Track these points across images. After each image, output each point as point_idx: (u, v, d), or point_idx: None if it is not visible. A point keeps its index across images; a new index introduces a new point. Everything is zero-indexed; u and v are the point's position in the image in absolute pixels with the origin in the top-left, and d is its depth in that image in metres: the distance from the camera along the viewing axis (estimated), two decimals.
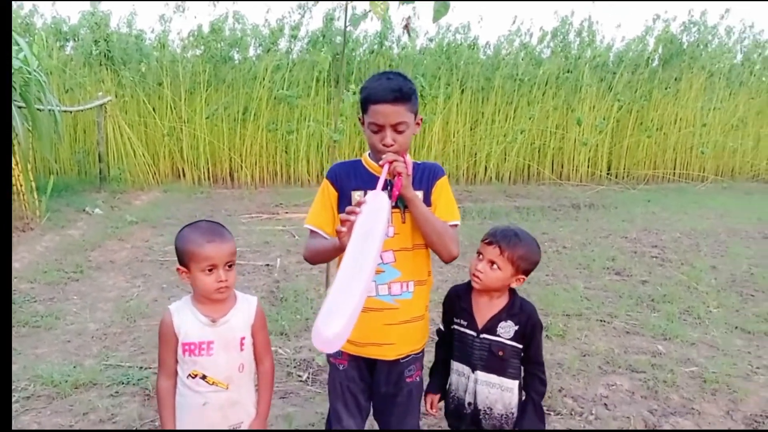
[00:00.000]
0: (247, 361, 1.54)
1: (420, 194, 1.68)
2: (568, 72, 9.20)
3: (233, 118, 8.83)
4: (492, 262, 1.74)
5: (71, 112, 7.90)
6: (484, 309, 1.80)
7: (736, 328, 3.55)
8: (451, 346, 1.87)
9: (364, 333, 1.64)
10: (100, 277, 4.46)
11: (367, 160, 1.73)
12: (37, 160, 7.80)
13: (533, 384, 1.82)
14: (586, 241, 5.69)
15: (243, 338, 1.53)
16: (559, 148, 9.55)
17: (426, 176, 1.73)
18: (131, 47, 8.53)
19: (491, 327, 1.78)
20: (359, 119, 1.70)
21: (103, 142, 8.09)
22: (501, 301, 1.80)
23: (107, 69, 8.49)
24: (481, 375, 1.80)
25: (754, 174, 10.31)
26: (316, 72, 8.55)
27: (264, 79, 8.58)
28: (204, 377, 1.48)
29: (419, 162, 1.76)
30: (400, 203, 1.65)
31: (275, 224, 6.42)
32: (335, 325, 1.32)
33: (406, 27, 2.01)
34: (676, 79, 9.71)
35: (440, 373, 1.93)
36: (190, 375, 1.48)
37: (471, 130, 9.44)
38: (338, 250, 1.51)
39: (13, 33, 5.71)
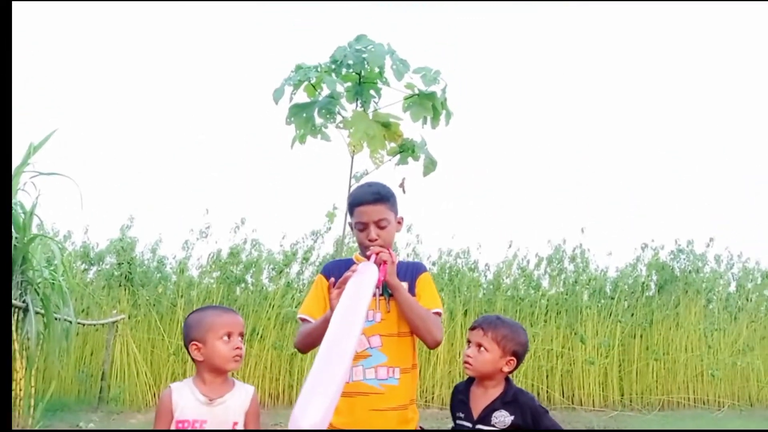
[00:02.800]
0: None
1: (405, 285, 1.83)
2: (566, 295, 9.53)
3: (243, 339, 8.93)
4: (479, 345, 1.83)
5: (83, 325, 8.08)
6: (480, 399, 1.85)
7: None
8: None
9: (350, 419, 1.66)
10: None
11: (357, 256, 1.93)
12: (41, 370, 7.75)
13: None
14: None
15: (236, 423, 1.56)
16: (568, 371, 9.41)
17: (410, 270, 1.92)
18: (152, 271, 9.05)
19: (485, 416, 1.81)
20: (350, 225, 1.94)
21: (109, 360, 8.12)
22: (496, 391, 1.85)
23: (125, 289, 8.89)
24: None
25: None
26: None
27: (274, 300, 8.92)
28: None
29: (404, 261, 1.95)
30: (385, 291, 1.79)
31: None
32: (313, 413, 1.34)
33: (401, 185, 2.34)
34: (675, 306, 9.95)
35: None
36: None
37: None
38: (328, 322, 1.61)
39: (51, 242, 6.22)
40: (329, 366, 1.42)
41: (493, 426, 1.79)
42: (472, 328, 1.91)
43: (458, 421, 1.88)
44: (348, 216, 1.95)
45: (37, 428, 5.73)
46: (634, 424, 7.78)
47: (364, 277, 1.65)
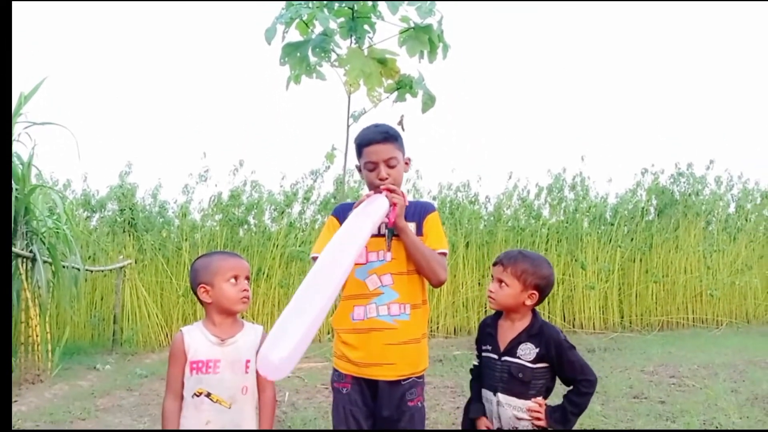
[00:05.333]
0: (250, 385, 1.60)
1: (413, 225, 1.87)
2: (567, 223, 9.59)
3: (250, 282, 9.07)
4: (500, 281, 1.86)
5: (92, 272, 8.20)
6: (507, 332, 1.90)
7: None
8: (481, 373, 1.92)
9: (366, 353, 1.72)
10: (106, 417, 4.39)
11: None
12: (54, 317, 7.93)
13: (569, 395, 1.82)
14: (602, 375, 5.55)
15: (248, 361, 1.61)
16: (568, 296, 9.61)
17: (418, 210, 1.94)
18: (154, 216, 9.10)
19: (511, 349, 1.86)
20: (356, 167, 1.93)
21: (119, 304, 8.29)
22: (522, 324, 1.91)
23: (130, 235, 8.96)
24: (502, 397, 1.84)
25: None
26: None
27: (278, 240, 9.00)
28: (209, 395, 1.53)
29: (412, 200, 1.97)
30: (391, 232, 1.82)
31: None
32: (282, 348, 1.32)
33: (400, 123, 2.32)
34: (675, 229, 10.02)
35: (477, 399, 1.93)
36: (195, 394, 1.53)
37: (479, 284, 9.60)
38: None
39: (52, 191, 6.23)
40: (307, 298, 1.40)
41: (519, 358, 1.85)
42: (494, 264, 1.96)
43: (484, 353, 1.94)
44: (356, 158, 1.95)
45: (56, 371, 5.92)
46: (634, 345, 7.99)
47: (372, 207, 1.67)
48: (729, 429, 2.47)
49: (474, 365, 2.03)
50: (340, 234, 1.59)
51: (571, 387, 1.87)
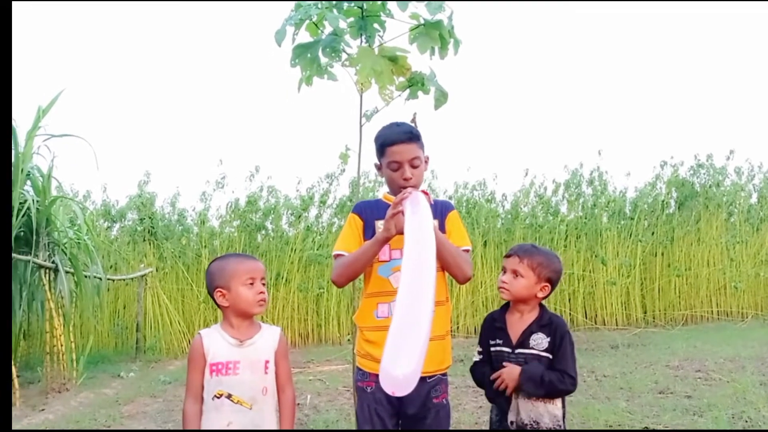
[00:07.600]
0: (270, 386, 1.60)
1: (435, 223, 1.86)
2: (585, 219, 9.50)
3: (266, 284, 9.12)
4: (515, 272, 1.87)
5: (113, 281, 8.30)
6: (517, 324, 1.90)
7: None
8: (491, 367, 1.92)
9: None
10: (131, 424, 4.44)
11: (387, 197, 1.94)
12: (78, 326, 8.03)
13: (551, 374, 1.80)
14: (626, 371, 5.49)
15: (267, 361, 1.61)
16: (590, 293, 9.50)
17: (439, 209, 1.95)
18: (173, 224, 9.19)
19: (524, 340, 1.87)
20: (376, 165, 1.93)
21: (142, 312, 8.38)
22: (531, 315, 1.91)
23: (150, 244, 9.07)
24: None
25: None
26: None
27: (295, 244, 9.04)
28: (229, 396, 1.53)
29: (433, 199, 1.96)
30: None
31: (306, 376, 6.36)
32: (406, 363, 1.33)
33: (413, 120, 2.31)
34: (696, 222, 9.88)
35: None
36: (215, 396, 1.53)
37: None
38: (380, 244, 1.63)
39: (72, 203, 6.32)
40: (413, 307, 1.42)
41: (532, 348, 1.85)
42: (508, 256, 1.97)
43: (495, 347, 1.93)
44: (376, 156, 1.95)
45: (81, 380, 5.99)
46: (658, 340, 7.89)
47: (420, 207, 1.67)
48: (759, 429, 2.43)
49: (475, 362, 2.01)
50: (411, 241, 1.59)
51: (559, 373, 1.86)
